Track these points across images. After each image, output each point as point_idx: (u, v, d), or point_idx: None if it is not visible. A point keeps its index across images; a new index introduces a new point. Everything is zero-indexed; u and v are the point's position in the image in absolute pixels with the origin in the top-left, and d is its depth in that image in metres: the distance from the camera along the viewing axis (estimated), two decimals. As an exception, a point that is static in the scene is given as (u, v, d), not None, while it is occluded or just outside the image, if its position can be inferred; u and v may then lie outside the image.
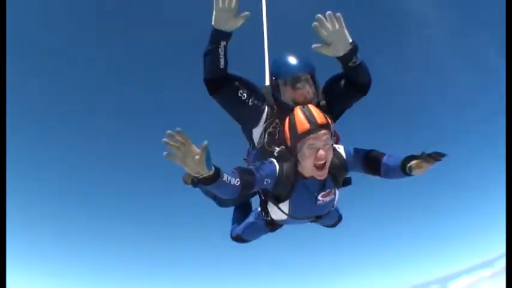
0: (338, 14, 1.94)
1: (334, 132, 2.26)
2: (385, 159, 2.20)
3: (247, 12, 2.02)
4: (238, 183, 1.92)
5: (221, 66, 2.07)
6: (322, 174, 2.13)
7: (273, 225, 2.70)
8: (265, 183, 2.11)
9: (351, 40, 2.04)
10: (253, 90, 2.27)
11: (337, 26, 1.96)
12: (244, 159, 2.76)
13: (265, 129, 2.32)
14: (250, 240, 3.01)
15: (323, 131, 2.01)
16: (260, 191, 2.45)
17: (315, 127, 2.00)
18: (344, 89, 2.30)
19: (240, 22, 2.03)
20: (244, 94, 2.19)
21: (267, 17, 3.39)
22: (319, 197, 2.29)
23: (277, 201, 2.30)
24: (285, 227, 2.76)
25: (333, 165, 2.19)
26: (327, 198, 2.33)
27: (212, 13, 1.99)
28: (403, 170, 2.08)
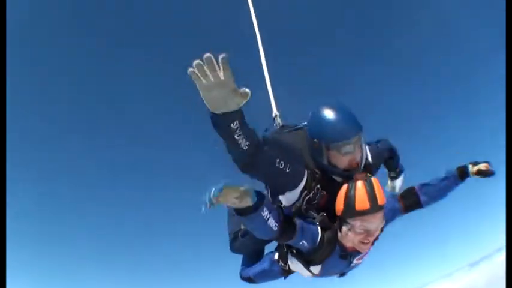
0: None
1: None
2: (418, 187, 2.35)
3: (247, 90, 1.46)
4: (277, 228, 1.73)
5: (245, 148, 1.61)
6: (366, 249, 2.04)
7: (289, 273, 2.56)
8: (301, 243, 1.94)
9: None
10: (291, 155, 1.93)
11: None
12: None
13: (303, 194, 2.01)
14: (262, 283, 2.91)
15: (380, 213, 1.87)
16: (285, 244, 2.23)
17: (375, 208, 1.83)
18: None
19: (243, 100, 1.48)
20: (282, 162, 1.80)
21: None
22: (354, 261, 2.20)
23: (308, 264, 2.14)
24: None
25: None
26: (361, 260, 2.25)
27: (202, 98, 1.46)
28: (462, 175, 2.32)
